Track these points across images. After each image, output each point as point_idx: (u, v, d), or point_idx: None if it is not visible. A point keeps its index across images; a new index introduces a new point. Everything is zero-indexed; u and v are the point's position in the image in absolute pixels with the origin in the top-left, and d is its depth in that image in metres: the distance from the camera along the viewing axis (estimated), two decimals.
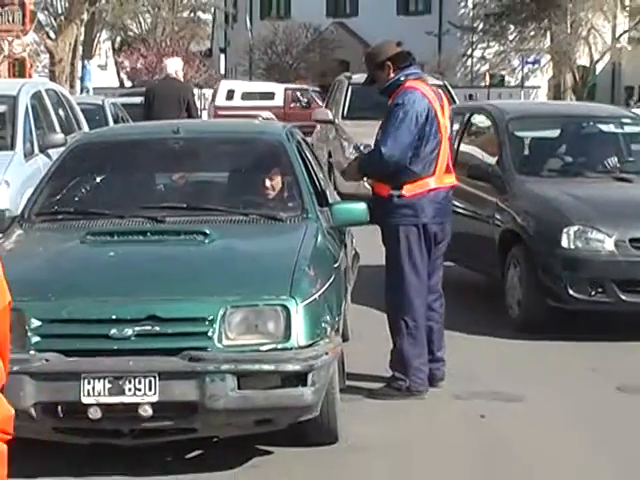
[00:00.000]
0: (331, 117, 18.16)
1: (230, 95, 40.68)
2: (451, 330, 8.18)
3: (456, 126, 10.73)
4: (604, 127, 11.18)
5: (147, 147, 7.90)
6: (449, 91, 17.31)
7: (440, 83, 17.48)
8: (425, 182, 7.17)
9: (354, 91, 18.51)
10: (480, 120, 11.24)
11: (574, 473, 5.97)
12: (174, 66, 15.20)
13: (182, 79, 15.80)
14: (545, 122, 11.39)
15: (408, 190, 7.15)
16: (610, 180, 9.97)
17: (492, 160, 10.23)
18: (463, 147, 10.82)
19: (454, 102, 16.59)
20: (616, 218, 8.95)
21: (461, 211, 9.89)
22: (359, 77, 16.27)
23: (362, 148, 11.97)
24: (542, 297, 8.89)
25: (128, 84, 51.72)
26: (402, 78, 7.27)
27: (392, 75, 7.30)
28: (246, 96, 40.72)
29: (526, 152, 10.75)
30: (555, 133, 11.05)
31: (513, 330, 9.02)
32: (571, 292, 8.68)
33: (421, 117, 7.09)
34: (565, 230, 8.77)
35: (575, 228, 8.78)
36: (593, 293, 8.70)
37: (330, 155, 18.32)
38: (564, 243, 8.76)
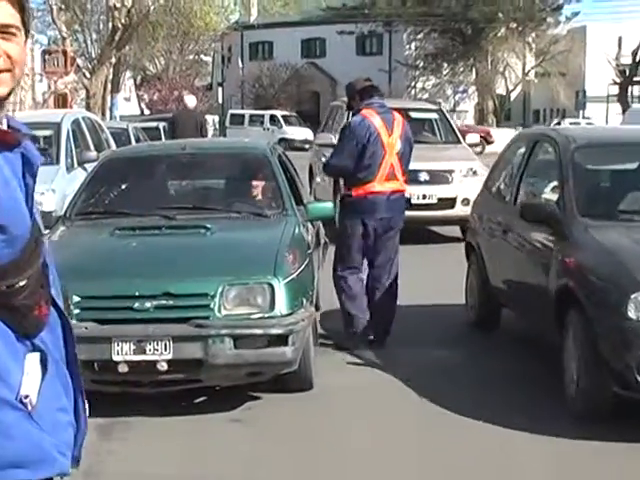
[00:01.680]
0: (334, 141, 16.02)
1: None
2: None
3: (519, 157, 7.66)
4: None
5: (161, 161, 7.86)
6: (443, 113, 16.69)
7: (435, 108, 16.95)
8: (369, 186, 7.22)
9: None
10: (543, 150, 7.31)
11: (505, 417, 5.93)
12: (192, 102, 16.71)
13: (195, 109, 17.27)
14: (620, 151, 7.13)
15: (355, 191, 7.26)
16: None
17: (553, 198, 6.61)
18: (525, 183, 7.38)
19: (447, 121, 16.03)
20: None
21: (519, 256, 6.90)
22: None
23: None
24: (604, 380, 5.34)
25: (147, 112, 51.40)
26: (361, 107, 7.34)
27: (359, 103, 7.38)
28: None
29: (593, 189, 6.77)
30: (633, 165, 7.03)
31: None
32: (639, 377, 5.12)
33: (361, 137, 7.14)
34: (633, 296, 5.15)
35: None
36: None
37: None
38: (631, 313, 5.12)
